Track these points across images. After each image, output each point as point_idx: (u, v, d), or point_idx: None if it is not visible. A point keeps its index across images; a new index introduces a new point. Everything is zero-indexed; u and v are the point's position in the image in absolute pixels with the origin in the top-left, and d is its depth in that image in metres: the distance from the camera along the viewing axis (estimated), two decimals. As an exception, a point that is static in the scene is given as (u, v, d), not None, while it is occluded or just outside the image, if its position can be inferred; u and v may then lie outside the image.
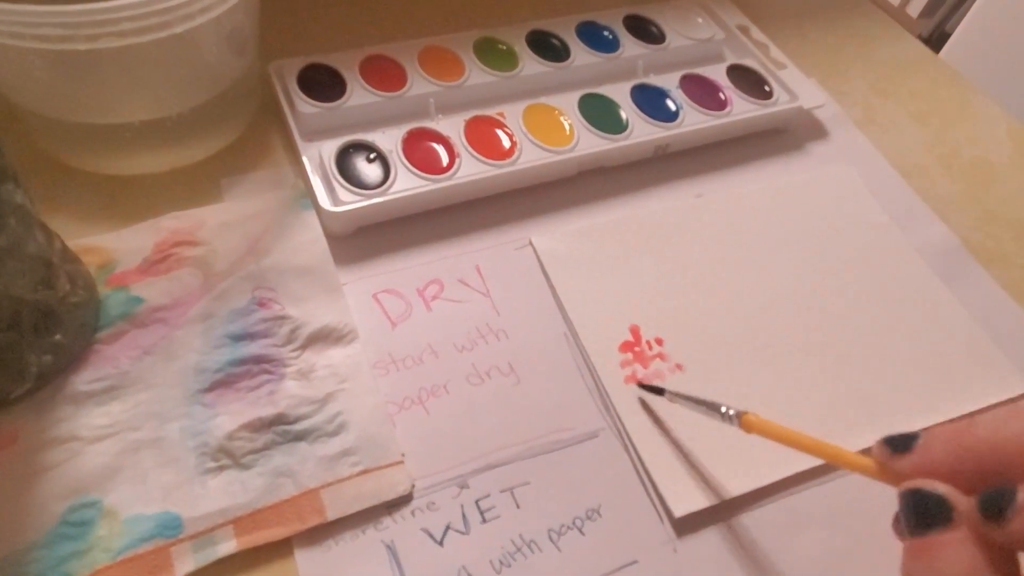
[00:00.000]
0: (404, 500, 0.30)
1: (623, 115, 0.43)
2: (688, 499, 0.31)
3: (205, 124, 0.38)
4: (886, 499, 0.32)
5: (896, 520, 0.24)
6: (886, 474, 0.24)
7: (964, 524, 0.21)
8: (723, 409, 0.30)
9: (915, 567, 0.21)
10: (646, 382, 0.34)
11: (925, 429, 0.23)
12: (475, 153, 0.39)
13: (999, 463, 0.22)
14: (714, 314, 0.38)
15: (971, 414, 0.35)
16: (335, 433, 0.31)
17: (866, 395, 0.36)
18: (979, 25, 1.23)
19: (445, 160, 0.39)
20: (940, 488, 0.22)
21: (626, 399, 0.34)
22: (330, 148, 0.38)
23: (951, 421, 0.24)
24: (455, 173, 0.39)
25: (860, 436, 0.34)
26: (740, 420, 0.29)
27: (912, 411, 0.35)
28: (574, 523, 0.30)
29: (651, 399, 0.34)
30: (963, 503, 0.21)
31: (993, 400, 0.36)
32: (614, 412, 0.34)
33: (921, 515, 0.21)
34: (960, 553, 0.20)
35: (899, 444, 0.24)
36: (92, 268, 0.34)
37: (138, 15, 0.31)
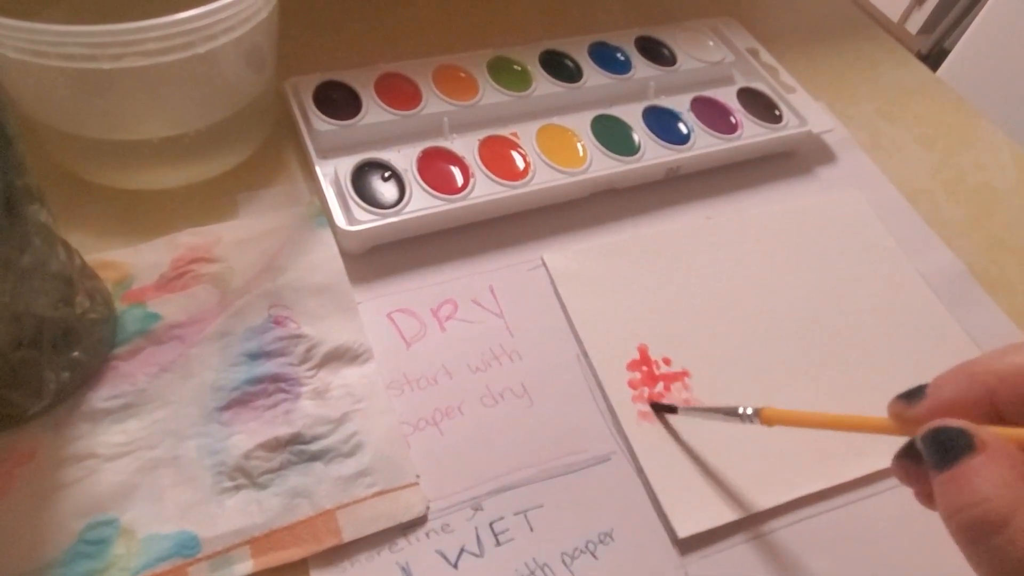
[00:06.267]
0: (419, 522, 0.30)
1: (635, 137, 0.43)
2: (693, 520, 0.32)
3: (222, 140, 0.39)
4: (893, 525, 0.33)
5: (897, 463, 0.25)
6: (905, 426, 0.25)
7: (988, 447, 0.22)
8: (740, 410, 0.30)
9: (952, 497, 0.22)
10: (656, 400, 0.35)
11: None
12: (489, 173, 0.40)
13: (1008, 391, 0.23)
14: (721, 335, 0.38)
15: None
16: (351, 454, 0.31)
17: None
18: (978, 43, 1.24)
19: (460, 180, 0.39)
20: (958, 421, 0.23)
21: (634, 419, 0.34)
22: (346, 166, 0.38)
23: None
24: (469, 193, 0.39)
25: (864, 459, 0.34)
26: (760, 416, 0.29)
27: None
28: (587, 547, 0.31)
29: (664, 417, 0.34)
30: (982, 431, 0.22)
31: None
32: (622, 432, 0.34)
33: (946, 448, 0.22)
34: (992, 471, 0.21)
35: (912, 394, 0.25)
36: (109, 284, 0.34)
37: (163, 35, 0.31)
